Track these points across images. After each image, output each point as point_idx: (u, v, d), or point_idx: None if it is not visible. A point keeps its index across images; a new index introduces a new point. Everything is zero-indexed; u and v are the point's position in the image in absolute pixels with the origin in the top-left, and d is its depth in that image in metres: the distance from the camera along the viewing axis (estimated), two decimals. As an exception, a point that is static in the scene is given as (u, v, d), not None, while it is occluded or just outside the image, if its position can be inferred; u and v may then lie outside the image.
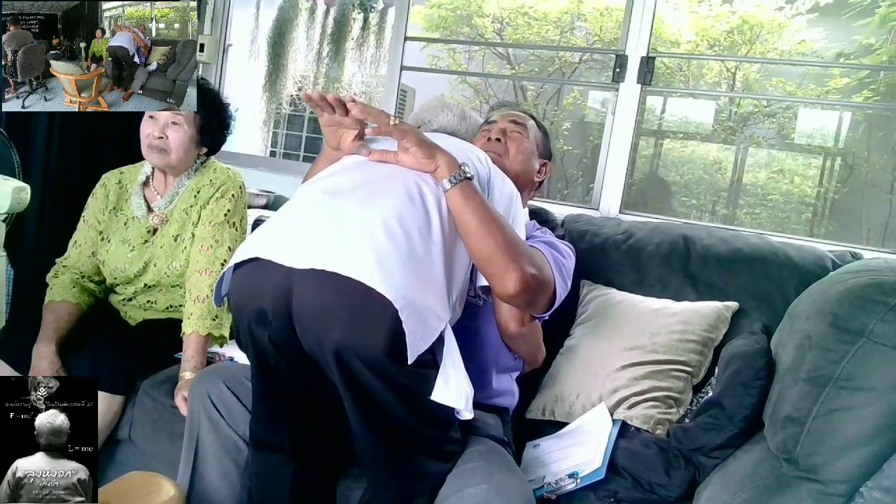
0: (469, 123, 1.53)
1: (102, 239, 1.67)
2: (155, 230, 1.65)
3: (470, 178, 1.11)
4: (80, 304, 1.62)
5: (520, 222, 1.25)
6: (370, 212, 1.01)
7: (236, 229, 1.62)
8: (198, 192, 1.64)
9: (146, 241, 1.64)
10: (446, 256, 1.06)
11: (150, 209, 1.66)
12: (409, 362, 0.94)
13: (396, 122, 1.10)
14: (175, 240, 1.62)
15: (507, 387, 1.39)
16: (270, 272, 0.98)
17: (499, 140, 1.42)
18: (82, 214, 1.71)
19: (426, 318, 0.97)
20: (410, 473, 1.07)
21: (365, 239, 0.97)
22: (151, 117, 1.59)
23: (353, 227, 0.99)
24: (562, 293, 1.25)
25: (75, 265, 1.67)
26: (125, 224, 1.66)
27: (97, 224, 1.68)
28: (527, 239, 1.36)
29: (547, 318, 1.31)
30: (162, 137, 1.58)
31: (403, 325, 0.92)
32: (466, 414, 1.05)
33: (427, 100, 1.59)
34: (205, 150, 1.68)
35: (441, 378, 1.01)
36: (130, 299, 1.68)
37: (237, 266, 1.05)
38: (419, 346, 0.95)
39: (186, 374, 1.46)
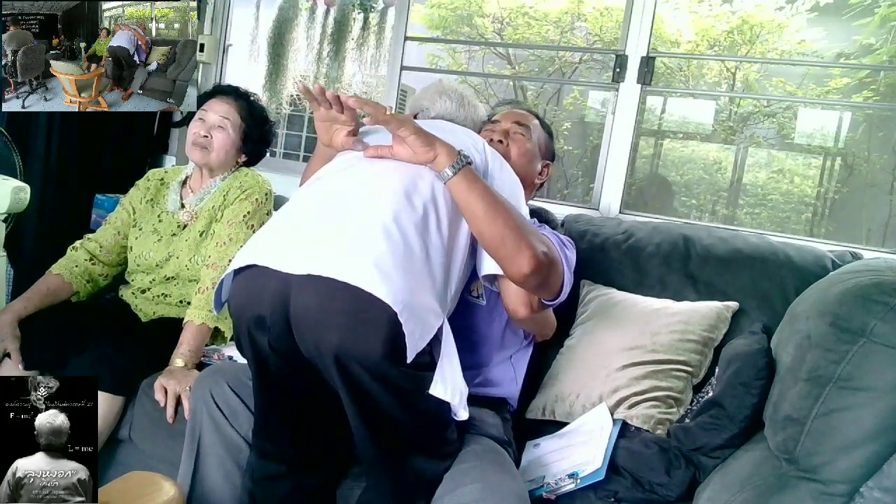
0: (468, 111, 1.49)
1: (135, 226, 1.75)
2: (185, 226, 1.71)
3: (470, 164, 1.10)
4: (73, 284, 1.67)
5: (522, 210, 1.24)
6: (367, 214, 1.01)
7: (253, 231, 1.66)
8: (227, 194, 1.70)
9: (174, 235, 1.71)
10: (445, 253, 1.06)
11: (183, 206, 1.74)
12: (409, 360, 0.94)
13: (392, 111, 1.09)
14: (200, 235, 1.69)
15: (505, 374, 1.38)
16: (268, 278, 0.98)
17: (501, 142, 1.41)
18: (121, 199, 1.82)
19: (424, 317, 0.97)
20: (409, 476, 1.07)
21: (362, 242, 0.97)
22: (201, 118, 1.69)
23: (350, 230, 0.99)
24: (568, 285, 1.24)
25: (98, 239, 1.75)
26: (159, 217, 1.75)
27: (131, 209, 1.77)
28: None
29: (556, 304, 1.28)
30: (207, 136, 1.67)
31: (403, 328, 0.92)
32: (462, 413, 1.05)
33: (425, 86, 1.53)
34: (244, 158, 1.77)
35: (438, 374, 1.01)
36: (144, 291, 1.71)
37: (236, 272, 1.05)
38: (418, 345, 0.95)
39: (177, 361, 1.49)
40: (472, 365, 1.30)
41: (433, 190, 1.09)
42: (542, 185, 1.52)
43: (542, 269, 1.10)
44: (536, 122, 1.50)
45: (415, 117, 1.43)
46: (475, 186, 1.09)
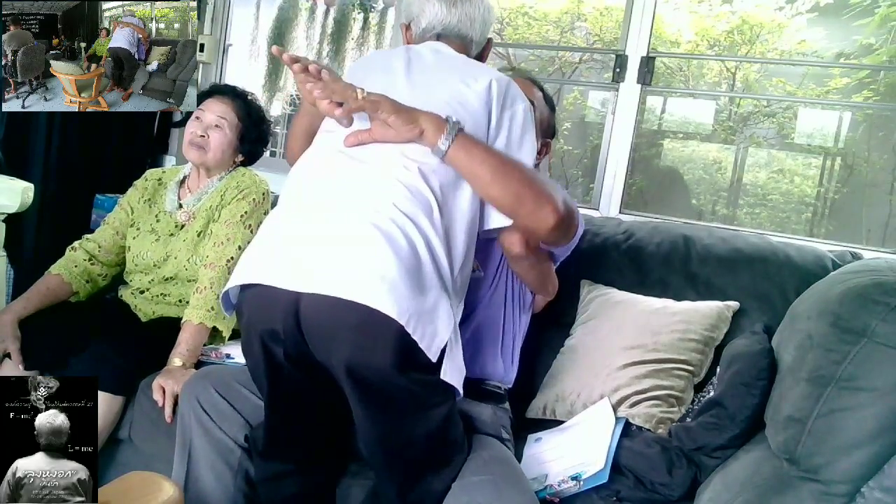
0: (463, 7, 1.28)
1: (133, 226, 1.75)
2: (183, 226, 1.71)
3: (462, 129, 1.02)
4: (72, 284, 1.68)
5: (531, 138, 1.16)
6: (364, 217, 0.97)
7: (251, 231, 1.66)
8: (224, 194, 1.70)
9: (172, 235, 1.71)
10: (445, 237, 1.02)
11: (180, 206, 1.73)
12: (434, 360, 0.93)
13: (364, 94, 1.00)
14: (198, 236, 1.69)
15: (502, 350, 1.36)
16: (277, 295, 0.96)
17: None
18: (119, 200, 1.83)
19: (436, 318, 0.95)
20: (418, 486, 1.07)
21: (364, 253, 0.94)
22: (197, 118, 1.69)
23: (351, 240, 0.96)
24: (576, 237, 1.23)
25: (97, 239, 1.75)
26: (157, 217, 1.75)
27: (129, 210, 1.77)
28: None
29: (559, 256, 1.26)
30: (203, 136, 1.67)
31: (413, 336, 0.91)
32: (460, 391, 1.03)
33: None
34: (241, 157, 1.77)
35: (447, 361, 0.99)
36: (143, 291, 1.71)
37: (242, 287, 1.03)
38: (437, 345, 0.94)
39: (175, 361, 1.49)
40: (468, 341, 1.28)
41: (424, 169, 1.03)
42: (537, 165, 1.48)
43: (565, 220, 1.06)
44: (539, 94, 1.42)
45: (408, 27, 1.31)
46: (475, 152, 1.02)
